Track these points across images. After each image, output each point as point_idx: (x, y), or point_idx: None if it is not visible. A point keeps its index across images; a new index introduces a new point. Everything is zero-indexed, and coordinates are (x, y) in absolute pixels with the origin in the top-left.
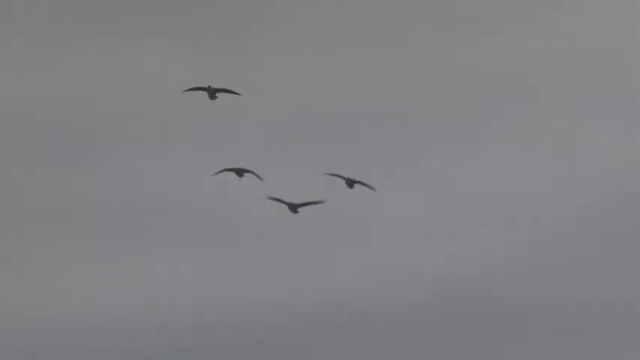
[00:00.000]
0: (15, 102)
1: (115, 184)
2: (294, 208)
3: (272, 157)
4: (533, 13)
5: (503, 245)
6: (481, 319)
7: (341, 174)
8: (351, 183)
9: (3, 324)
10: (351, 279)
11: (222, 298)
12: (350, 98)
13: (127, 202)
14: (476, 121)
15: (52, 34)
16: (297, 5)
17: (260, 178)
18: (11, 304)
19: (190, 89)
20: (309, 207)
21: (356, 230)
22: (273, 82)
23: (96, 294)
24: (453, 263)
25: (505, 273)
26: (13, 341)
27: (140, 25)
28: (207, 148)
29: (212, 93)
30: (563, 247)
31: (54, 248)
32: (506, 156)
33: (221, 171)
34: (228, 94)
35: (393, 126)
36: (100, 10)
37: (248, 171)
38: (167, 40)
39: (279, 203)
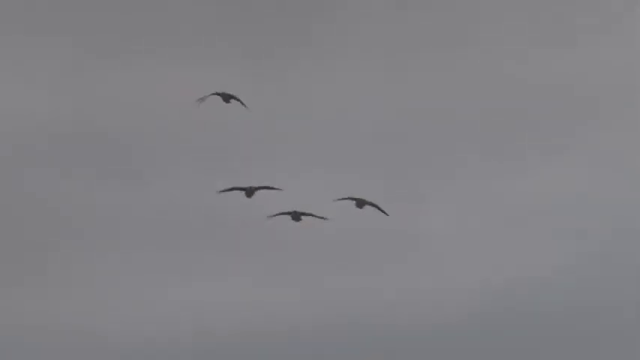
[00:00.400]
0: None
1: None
2: (296, 216)
3: (331, 175)
4: (580, 31)
5: (553, 259)
6: (530, 332)
7: (352, 195)
8: (361, 204)
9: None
10: (402, 293)
11: (274, 313)
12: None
13: (175, 217)
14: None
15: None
16: (364, 30)
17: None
18: (59, 322)
19: (207, 96)
20: (312, 218)
21: (408, 245)
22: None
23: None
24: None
25: (556, 288)
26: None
27: (204, 45)
28: (270, 167)
29: (226, 98)
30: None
31: (101, 263)
32: (561, 169)
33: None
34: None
35: (446, 143)
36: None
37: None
38: (239, 60)
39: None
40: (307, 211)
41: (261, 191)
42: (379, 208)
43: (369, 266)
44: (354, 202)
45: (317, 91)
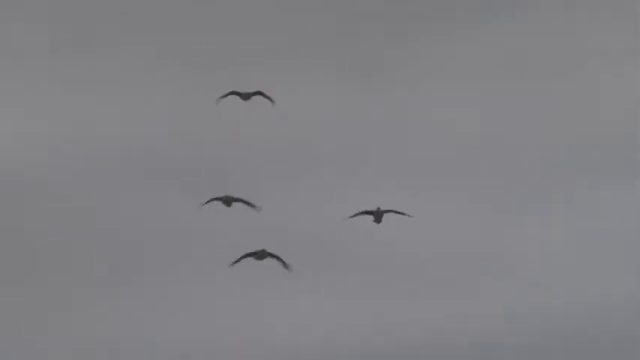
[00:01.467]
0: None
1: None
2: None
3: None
4: None
5: None
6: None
7: (366, 209)
8: (379, 216)
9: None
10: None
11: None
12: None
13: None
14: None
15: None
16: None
17: (253, 206)
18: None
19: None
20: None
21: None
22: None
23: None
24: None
25: None
26: None
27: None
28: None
29: (246, 97)
30: None
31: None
32: None
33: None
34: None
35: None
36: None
37: (238, 200)
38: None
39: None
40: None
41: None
42: (400, 213)
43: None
44: (372, 216)
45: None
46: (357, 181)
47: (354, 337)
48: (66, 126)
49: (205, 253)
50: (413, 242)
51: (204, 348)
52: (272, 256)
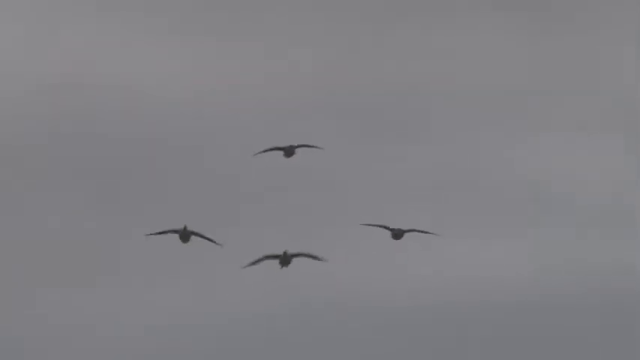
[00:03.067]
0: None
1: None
2: None
3: None
4: None
5: None
6: None
7: (386, 225)
8: (399, 234)
9: None
10: None
11: None
12: None
13: None
14: None
15: None
16: None
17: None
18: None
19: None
20: None
21: None
22: None
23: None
24: None
25: None
26: None
27: None
28: None
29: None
30: None
31: None
32: None
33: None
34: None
35: None
36: None
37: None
38: None
39: None
40: None
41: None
42: (423, 232)
43: None
44: (391, 233)
45: None
46: None
47: None
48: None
49: None
50: None
51: None
52: (296, 255)
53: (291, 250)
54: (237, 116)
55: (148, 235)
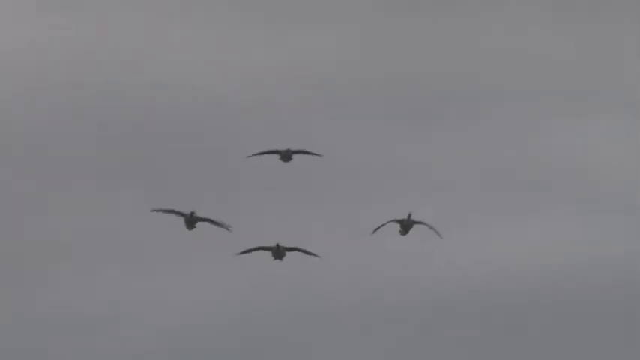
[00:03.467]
0: None
1: None
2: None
3: None
4: None
5: None
6: None
7: (393, 219)
8: (408, 226)
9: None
10: None
11: None
12: None
13: None
14: None
15: None
16: None
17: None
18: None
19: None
20: None
21: None
22: None
23: None
24: None
25: None
26: None
27: None
28: None
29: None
30: None
31: None
32: None
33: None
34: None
35: None
36: None
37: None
38: None
39: None
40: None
41: None
42: (432, 228)
43: None
44: (398, 224)
45: None
46: None
47: None
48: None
49: None
50: None
51: None
52: (289, 249)
53: (285, 244)
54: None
55: (153, 210)
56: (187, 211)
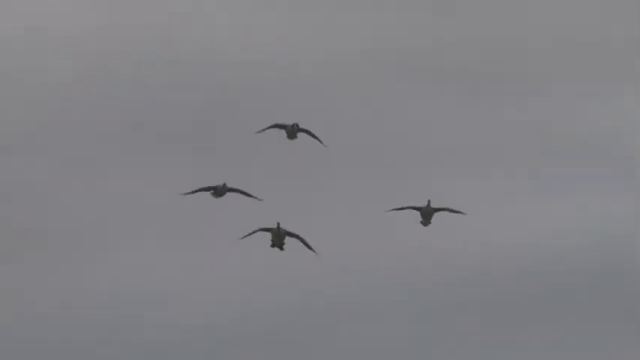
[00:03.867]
0: None
1: None
2: None
3: None
4: None
5: None
6: None
7: (411, 205)
8: (428, 214)
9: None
10: None
11: None
12: None
13: None
14: None
15: None
16: None
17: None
18: None
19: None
20: None
21: None
22: None
23: None
24: None
25: None
26: None
27: None
28: None
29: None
30: None
31: None
32: None
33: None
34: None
35: None
36: None
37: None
38: None
39: None
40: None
41: None
42: (453, 210)
43: None
44: (420, 212)
45: None
46: None
47: None
48: None
49: None
50: None
51: None
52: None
53: (286, 228)
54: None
55: (184, 194)
56: (218, 184)
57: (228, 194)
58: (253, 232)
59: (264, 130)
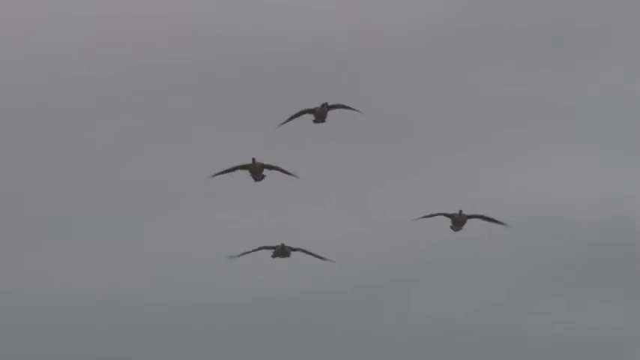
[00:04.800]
0: None
1: None
2: None
3: None
4: None
5: None
6: None
7: (444, 212)
8: (459, 221)
9: None
10: None
11: None
12: None
13: None
14: None
15: None
16: None
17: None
18: None
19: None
20: None
21: None
22: None
23: None
24: None
25: None
26: None
27: None
28: None
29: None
30: None
31: None
32: None
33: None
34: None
35: None
36: None
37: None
38: None
39: None
40: None
41: None
42: (488, 219)
43: None
44: (451, 219)
45: None
46: None
47: None
48: None
49: None
50: None
51: None
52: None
53: (291, 245)
54: None
55: (214, 175)
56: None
57: (266, 171)
58: (253, 250)
59: (289, 120)
